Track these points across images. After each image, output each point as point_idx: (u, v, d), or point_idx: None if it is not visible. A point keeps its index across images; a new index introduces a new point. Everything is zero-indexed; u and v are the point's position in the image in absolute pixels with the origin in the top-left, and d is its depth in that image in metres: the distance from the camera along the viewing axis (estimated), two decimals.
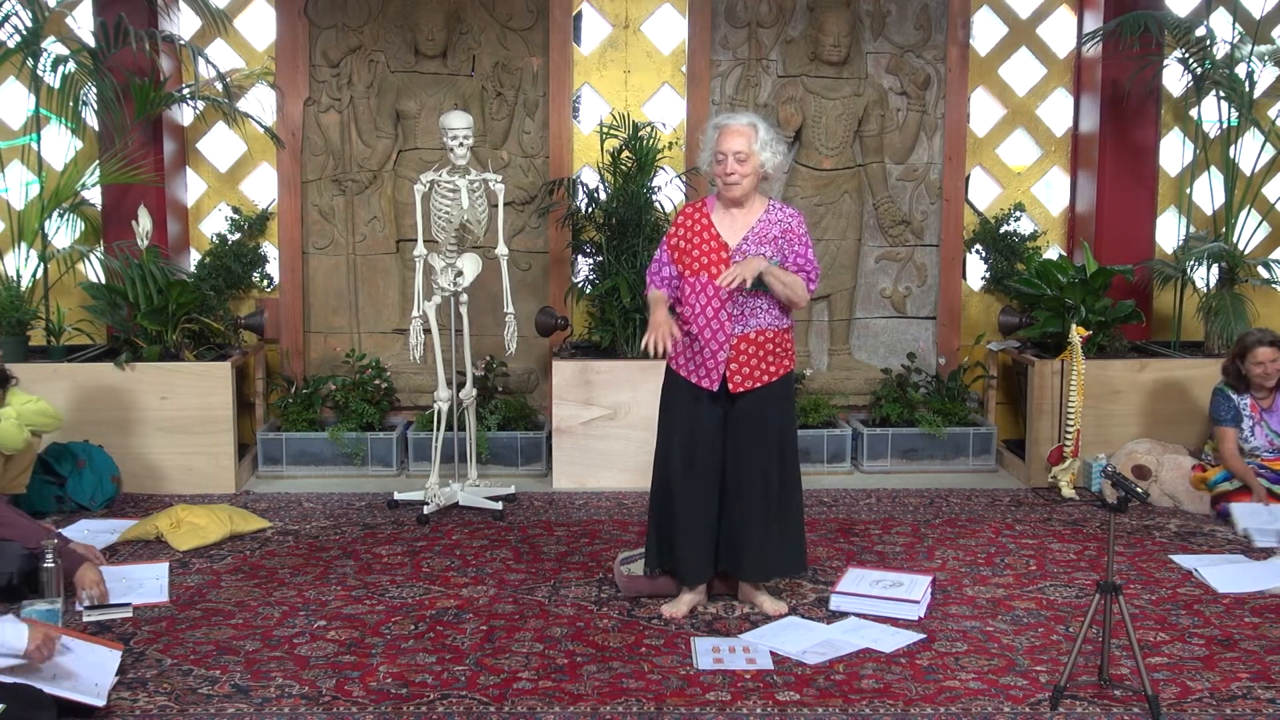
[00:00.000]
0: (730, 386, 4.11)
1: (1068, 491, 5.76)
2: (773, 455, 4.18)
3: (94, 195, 6.44)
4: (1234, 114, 6.36)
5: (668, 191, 6.28)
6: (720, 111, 6.45)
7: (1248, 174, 6.44)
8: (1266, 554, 4.88)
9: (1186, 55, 6.33)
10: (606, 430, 5.95)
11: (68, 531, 5.06)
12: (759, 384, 4.13)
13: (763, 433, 4.17)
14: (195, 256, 6.72)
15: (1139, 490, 3.54)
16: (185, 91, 6.43)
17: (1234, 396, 5.49)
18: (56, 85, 6.09)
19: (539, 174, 6.54)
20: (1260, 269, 6.44)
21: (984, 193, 6.92)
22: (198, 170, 6.75)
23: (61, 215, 6.20)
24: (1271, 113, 6.66)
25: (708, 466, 4.15)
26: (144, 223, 5.88)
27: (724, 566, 4.28)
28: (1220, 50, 6.33)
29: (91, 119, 6.32)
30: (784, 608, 4.26)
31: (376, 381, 6.37)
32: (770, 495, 4.18)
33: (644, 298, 4.34)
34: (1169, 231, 6.79)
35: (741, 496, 4.17)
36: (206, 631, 4.10)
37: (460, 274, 5.53)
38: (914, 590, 4.28)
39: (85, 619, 4.16)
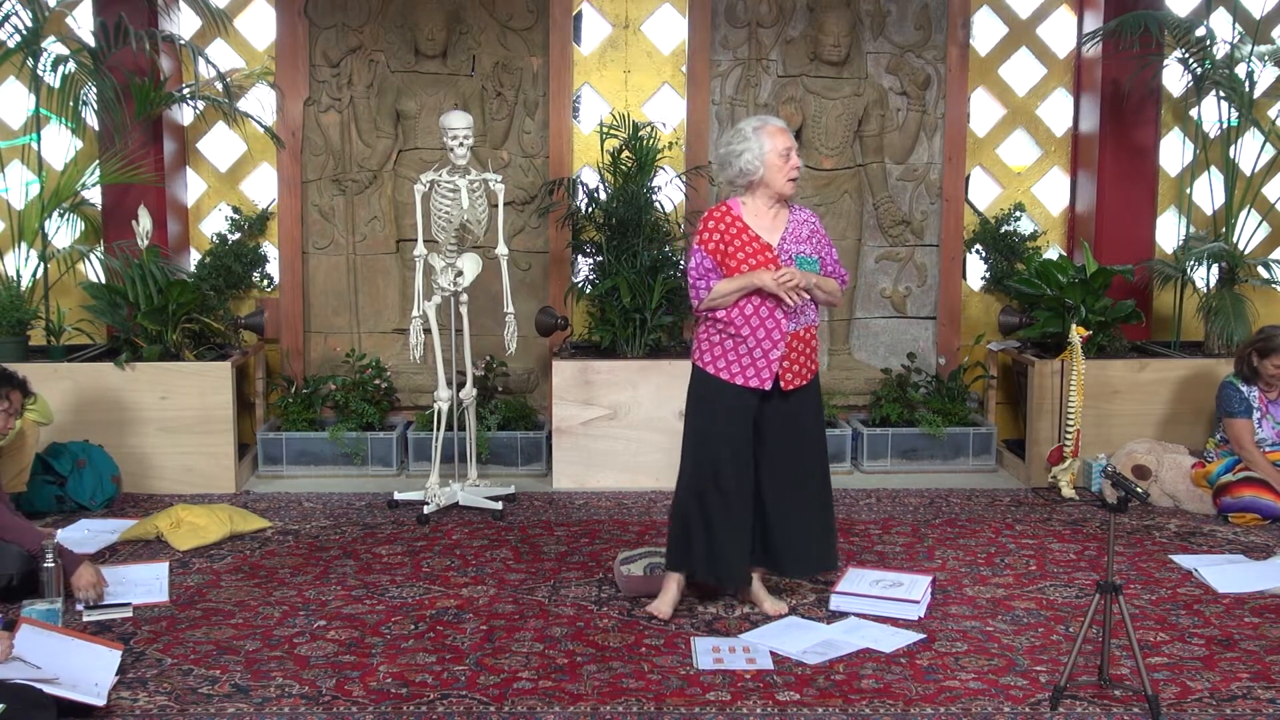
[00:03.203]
0: (783, 384, 4.09)
1: (1068, 491, 5.76)
2: (819, 451, 4.24)
3: (94, 195, 6.45)
4: (1234, 114, 6.35)
5: (668, 191, 6.29)
6: (720, 112, 6.47)
7: (1248, 174, 6.44)
8: (1266, 554, 4.88)
9: (1186, 55, 6.32)
10: (606, 430, 5.95)
11: (67, 531, 5.07)
12: (806, 380, 4.16)
13: (811, 429, 4.22)
14: (195, 256, 6.72)
15: (1139, 490, 3.54)
16: (185, 91, 6.43)
17: (1243, 388, 5.49)
18: (56, 85, 6.09)
19: (539, 174, 6.54)
20: (1260, 269, 6.44)
21: (984, 193, 6.92)
22: (198, 170, 6.76)
23: (61, 215, 6.20)
24: (1271, 113, 6.66)
25: (749, 468, 4.14)
26: (144, 222, 5.88)
27: (765, 565, 4.26)
28: (1220, 50, 6.33)
29: (91, 119, 6.32)
30: (784, 608, 4.26)
31: (376, 381, 6.37)
32: (820, 490, 4.23)
33: (695, 307, 4.17)
34: (1169, 231, 6.79)
35: (794, 494, 4.16)
36: (206, 631, 4.11)
37: (460, 274, 5.53)
38: (914, 590, 4.28)
39: (85, 619, 4.16)
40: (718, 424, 4.12)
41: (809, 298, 4.09)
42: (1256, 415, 5.48)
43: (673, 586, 4.26)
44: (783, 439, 4.15)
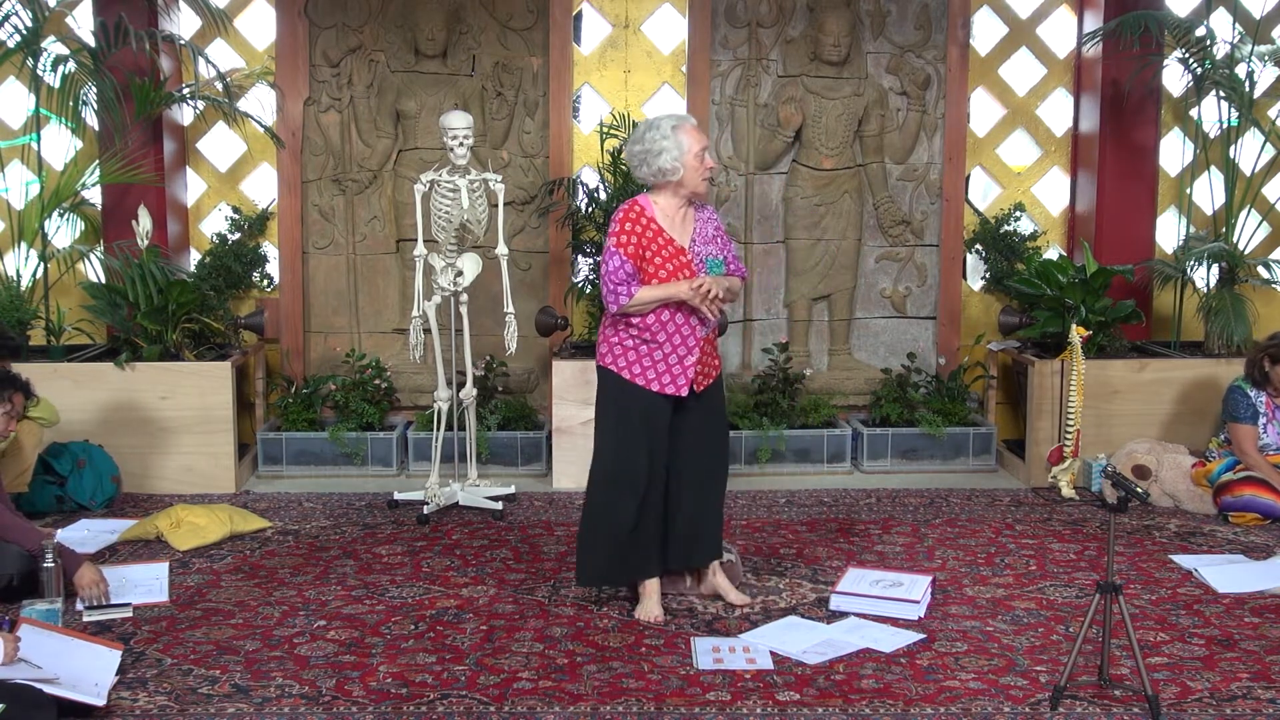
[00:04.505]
0: (695, 387, 4.12)
1: (1068, 491, 5.76)
2: (724, 444, 4.32)
3: (94, 195, 6.45)
4: (1234, 114, 6.35)
5: None
6: (720, 111, 6.47)
7: (1248, 174, 6.44)
8: (1266, 554, 4.88)
9: (1186, 55, 6.32)
10: None
11: (67, 531, 5.07)
12: (712, 379, 4.21)
13: (722, 423, 4.30)
14: (195, 256, 6.72)
15: (1139, 490, 3.54)
16: (185, 91, 6.43)
17: (1251, 393, 5.48)
18: (56, 85, 6.09)
19: (539, 174, 6.54)
20: (1260, 269, 6.44)
21: (984, 193, 6.92)
22: (198, 170, 6.76)
23: (61, 215, 6.21)
24: (1271, 113, 6.66)
25: (663, 472, 4.16)
26: (144, 222, 5.88)
27: (681, 560, 4.27)
28: (1220, 50, 6.33)
29: (91, 119, 6.32)
30: (748, 599, 4.31)
31: (376, 381, 6.36)
32: (725, 481, 4.32)
33: (614, 311, 4.09)
34: (1169, 231, 6.79)
35: (704, 488, 4.22)
36: (206, 631, 4.11)
37: (460, 274, 5.53)
38: (914, 590, 4.28)
39: (86, 619, 4.16)
40: (636, 429, 4.09)
41: (725, 306, 4.12)
42: (1262, 420, 5.47)
43: (650, 589, 4.25)
44: (693, 437, 4.18)
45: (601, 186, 6.22)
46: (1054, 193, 6.98)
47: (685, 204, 4.14)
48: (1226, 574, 4.58)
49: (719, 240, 4.20)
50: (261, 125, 6.42)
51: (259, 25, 6.67)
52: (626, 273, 4.04)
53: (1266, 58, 6.31)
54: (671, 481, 4.18)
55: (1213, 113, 6.49)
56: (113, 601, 4.25)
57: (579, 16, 6.66)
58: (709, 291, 3.99)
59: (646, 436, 4.09)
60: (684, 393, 4.09)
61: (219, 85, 6.26)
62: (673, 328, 4.06)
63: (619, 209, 4.15)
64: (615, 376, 4.12)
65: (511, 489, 5.78)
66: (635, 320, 4.07)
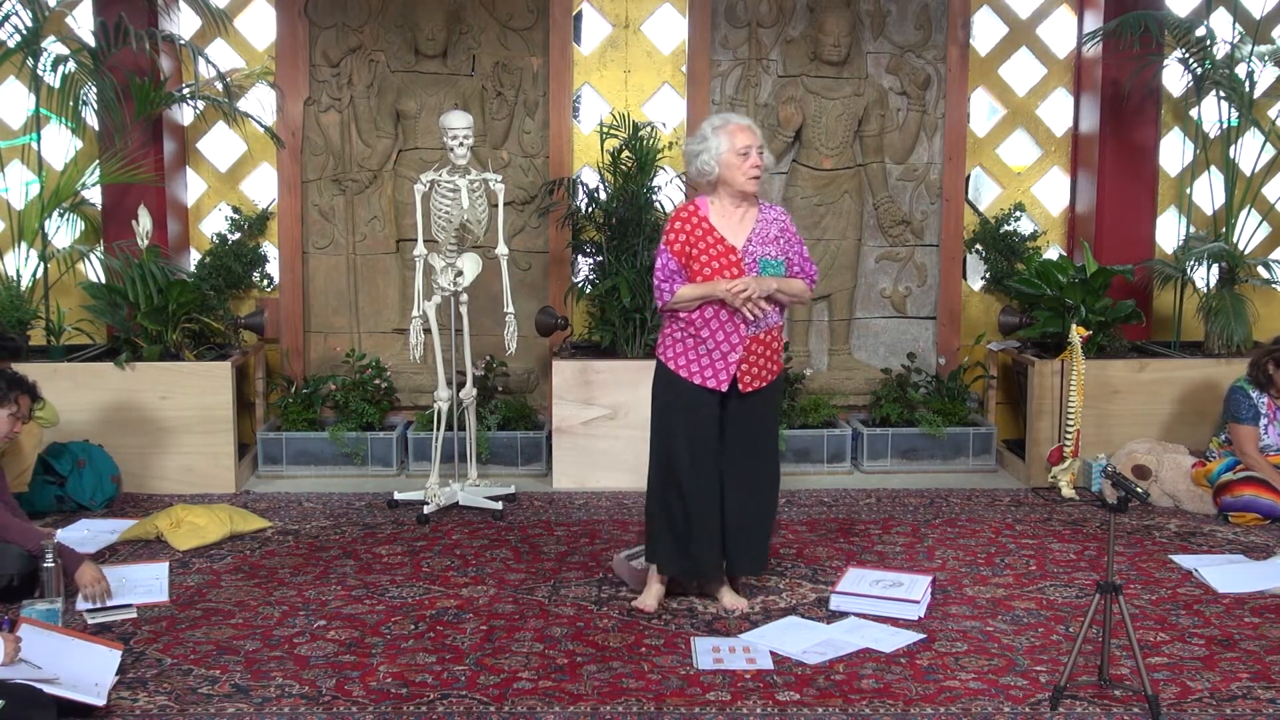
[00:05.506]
0: (741, 387, 4.12)
1: (1068, 491, 5.76)
2: (774, 451, 4.29)
3: (94, 195, 6.45)
4: (1234, 114, 6.36)
5: (668, 191, 6.29)
6: (721, 111, 6.46)
7: (1248, 174, 6.44)
8: (1266, 554, 4.88)
9: (1186, 55, 6.33)
10: (606, 430, 5.95)
11: (67, 531, 5.07)
12: (766, 383, 4.18)
13: (769, 430, 4.27)
14: (195, 256, 6.72)
15: (1139, 490, 3.54)
16: (185, 91, 6.43)
17: (1253, 394, 5.48)
18: (56, 85, 6.09)
19: (539, 174, 6.54)
20: (1260, 269, 6.44)
21: (984, 193, 6.92)
22: (198, 170, 6.76)
23: (61, 215, 6.21)
24: (1271, 113, 6.66)
25: (712, 466, 4.17)
26: (144, 222, 5.89)
27: (733, 568, 4.31)
28: (1220, 50, 6.33)
29: (91, 119, 6.32)
30: (743, 603, 4.29)
31: (376, 381, 6.37)
32: (774, 491, 4.30)
33: (660, 308, 4.19)
34: (1169, 231, 6.79)
35: (752, 493, 4.22)
36: (206, 631, 4.11)
37: (460, 274, 5.53)
38: (914, 590, 4.28)
39: (89, 621, 4.15)
40: (677, 420, 4.16)
41: (768, 307, 4.09)
42: (1264, 421, 5.47)
43: (654, 580, 4.30)
44: (739, 440, 4.19)
45: (601, 186, 6.22)
46: (1054, 193, 6.98)
47: (743, 203, 4.15)
48: (1226, 574, 4.58)
49: (782, 241, 4.19)
50: (261, 125, 6.43)
51: (259, 25, 6.67)
52: (670, 270, 4.11)
53: (1266, 58, 6.31)
54: (724, 483, 4.20)
55: (1213, 113, 6.50)
56: (114, 602, 4.25)
57: (579, 16, 6.66)
58: (743, 292, 4.00)
59: (687, 430, 4.13)
60: (723, 387, 4.10)
61: (219, 85, 6.27)
62: (716, 324, 4.08)
63: (675, 209, 4.24)
64: (664, 368, 4.20)
65: (511, 489, 5.78)
66: (683, 315, 4.13)
